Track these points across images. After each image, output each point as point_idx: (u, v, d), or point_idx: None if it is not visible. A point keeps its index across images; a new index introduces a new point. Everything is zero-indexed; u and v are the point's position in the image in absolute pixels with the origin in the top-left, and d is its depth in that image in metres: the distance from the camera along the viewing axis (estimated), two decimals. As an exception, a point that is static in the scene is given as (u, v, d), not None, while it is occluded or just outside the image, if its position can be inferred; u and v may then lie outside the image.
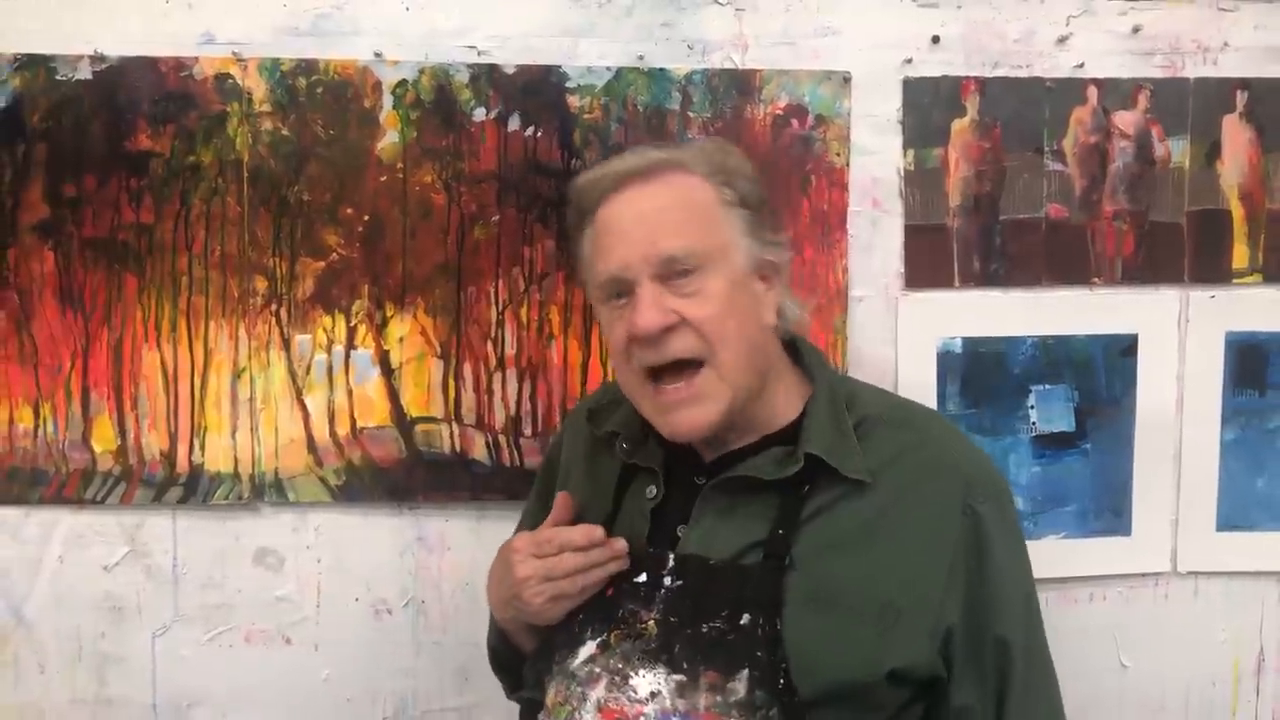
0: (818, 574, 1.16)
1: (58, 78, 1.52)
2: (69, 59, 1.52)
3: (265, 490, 1.58)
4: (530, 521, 1.42)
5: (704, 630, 1.15)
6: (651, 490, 1.26)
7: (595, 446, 1.34)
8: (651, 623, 1.18)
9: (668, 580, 1.20)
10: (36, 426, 1.56)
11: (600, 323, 1.30)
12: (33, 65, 1.51)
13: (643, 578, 1.21)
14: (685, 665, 1.15)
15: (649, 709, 1.15)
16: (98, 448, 1.56)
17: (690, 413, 1.18)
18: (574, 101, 1.58)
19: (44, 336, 1.55)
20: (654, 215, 1.19)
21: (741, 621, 1.15)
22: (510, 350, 1.60)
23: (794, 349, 1.30)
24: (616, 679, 1.17)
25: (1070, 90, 1.63)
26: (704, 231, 1.20)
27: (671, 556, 1.21)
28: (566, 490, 1.32)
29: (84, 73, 1.52)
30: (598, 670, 1.19)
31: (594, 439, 1.34)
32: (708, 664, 1.14)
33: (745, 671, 1.13)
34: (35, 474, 1.56)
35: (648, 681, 1.16)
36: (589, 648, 1.20)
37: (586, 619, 1.22)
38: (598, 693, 1.17)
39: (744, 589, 1.16)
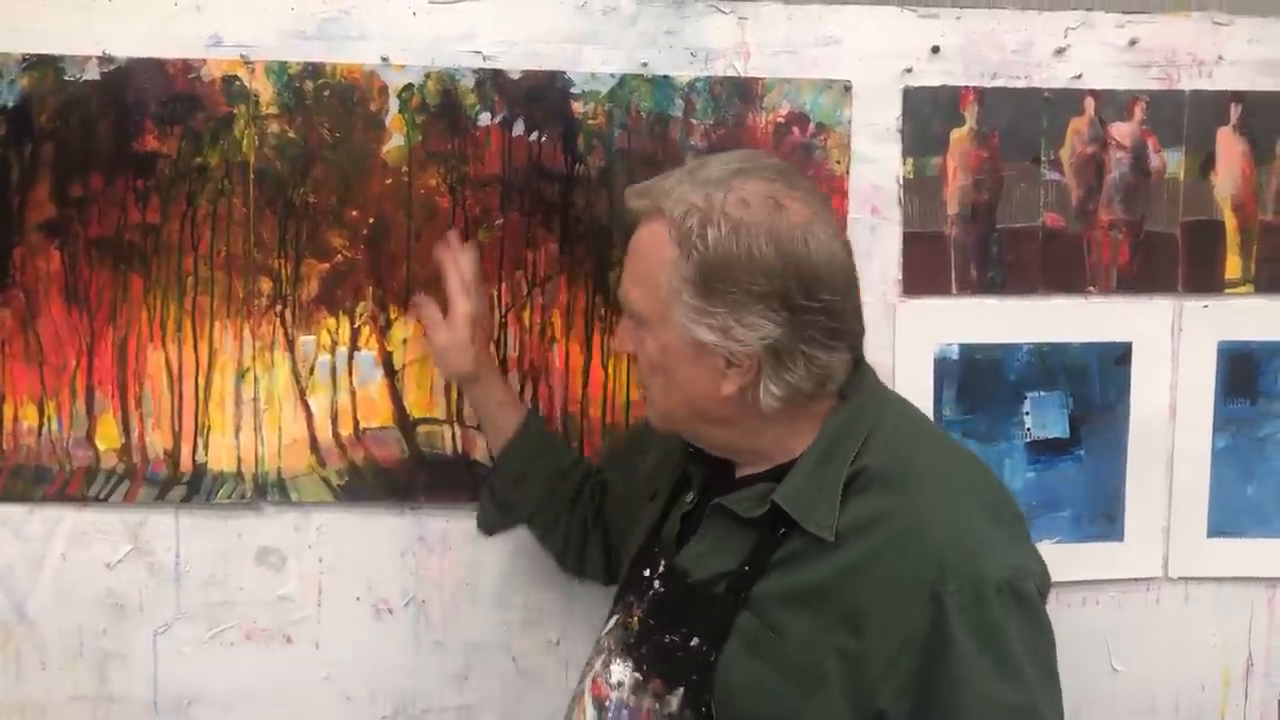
0: (765, 619, 1.15)
1: (66, 78, 1.53)
2: (77, 60, 1.53)
3: (268, 490, 1.59)
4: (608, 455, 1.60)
5: (666, 640, 1.21)
6: (689, 496, 1.30)
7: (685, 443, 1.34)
8: (636, 619, 1.25)
9: (657, 584, 1.25)
10: (41, 424, 1.56)
11: None
12: (41, 65, 1.52)
13: (646, 573, 1.28)
14: (645, 667, 1.22)
15: (613, 695, 1.24)
16: (101, 446, 1.57)
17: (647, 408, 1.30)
18: (578, 107, 1.59)
19: (49, 335, 1.55)
20: (630, 261, 1.25)
21: (692, 643, 1.18)
22: (513, 353, 1.62)
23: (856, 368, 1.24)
24: (606, 658, 1.27)
25: (1068, 101, 1.65)
26: (647, 292, 1.20)
27: (662, 563, 1.26)
28: (652, 467, 1.43)
29: (92, 73, 1.53)
30: (603, 645, 1.28)
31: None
32: (658, 672, 1.20)
33: (682, 689, 1.17)
34: (39, 471, 1.56)
35: (619, 671, 1.24)
36: (610, 622, 1.31)
37: (620, 594, 1.34)
38: (597, 665, 1.27)
39: (702, 613, 1.19)
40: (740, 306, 1.13)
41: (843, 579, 1.12)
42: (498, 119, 1.59)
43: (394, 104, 1.57)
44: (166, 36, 1.54)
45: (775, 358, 1.15)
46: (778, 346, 1.14)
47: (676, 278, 1.15)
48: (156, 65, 1.54)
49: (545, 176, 1.60)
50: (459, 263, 1.51)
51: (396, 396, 1.61)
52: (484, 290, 1.55)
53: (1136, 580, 1.71)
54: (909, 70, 1.63)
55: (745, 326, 1.13)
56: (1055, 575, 1.62)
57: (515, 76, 1.58)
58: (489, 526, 1.61)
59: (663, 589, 1.24)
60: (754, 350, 1.14)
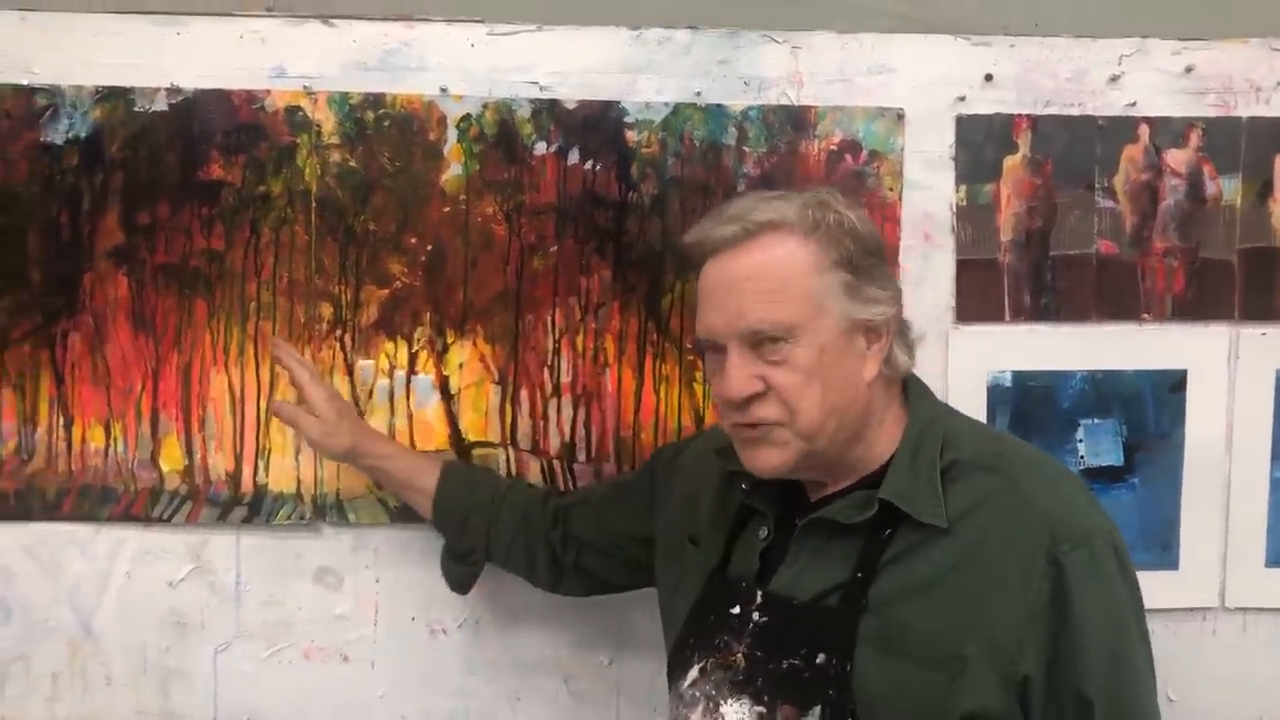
0: (890, 618, 1.18)
1: (136, 109, 1.57)
2: (147, 91, 1.57)
3: (326, 511, 1.62)
4: (615, 488, 1.57)
5: (784, 666, 1.20)
6: (763, 532, 1.30)
7: (726, 482, 1.38)
8: (740, 655, 1.23)
9: (755, 616, 1.24)
10: (107, 446, 1.60)
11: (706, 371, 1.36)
12: (113, 97, 1.57)
13: (736, 610, 1.26)
14: (766, 698, 1.20)
15: None
16: (165, 467, 1.61)
17: (765, 453, 1.23)
18: (632, 136, 1.62)
19: (116, 359, 1.60)
20: (744, 284, 1.21)
21: (817, 660, 1.18)
22: (566, 378, 1.64)
23: (905, 386, 1.31)
24: (710, 705, 1.24)
25: (1122, 128, 1.65)
26: (793, 301, 1.20)
27: (759, 594, 1.25)
28: (689, 517, 1.42)
29: (161, 104, 1.58)
30: (698, 694, 1.26)
31: (725, 474, 1.38)
32: (785, 699, 1.19)
33: (818, 709, 1.17)
34: (105, 492, 1.61)
35: (734, 710, 1.21)
36: (693, 672, 1.27)
37: (695, 644, 1.29)
38: (695, 716, 1.25)
39: (821, 629, 1.19)
40: (873, 276, 1.24)
41: (962, 562, 1.19)
42: (553, 148, 1.61)
43: (452, 134, 1.60)
44: (232, 68, 1.59)
45: (899, 322, 1.27)
46: (898, 309, 1.27)
47: (825, 267, 1.21)
48: (222, 96, 1.58)
49: (599, 204, 1.62)
50: (294, 355, 1.55)
51: (452, 419, 1.63)
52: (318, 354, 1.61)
53: (1192, 610, 1.70)
54: (962, 98, 1.63)
55: (882, 290, 1.24)
56: (1110, 604, 1.65)
57: (571, 106, 1.61)
58: (460, 584, 1.59)
59: (765, 619, 1.24)
60: (890, 314, 1.24)
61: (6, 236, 1.57)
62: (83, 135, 1.57)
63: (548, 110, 1.61)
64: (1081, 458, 1.67)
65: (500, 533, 1.54)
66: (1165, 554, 1.68)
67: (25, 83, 1.56)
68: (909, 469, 1.23)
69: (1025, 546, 1.17)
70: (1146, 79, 1.65)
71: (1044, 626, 1.15)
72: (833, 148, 1.63)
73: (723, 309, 1.22)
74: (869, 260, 1.24)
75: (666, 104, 1.62)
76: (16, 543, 1.61)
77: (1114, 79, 1.64)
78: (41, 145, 1.57)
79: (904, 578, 1.19)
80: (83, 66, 1.57)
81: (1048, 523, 1.18)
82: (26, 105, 1.56)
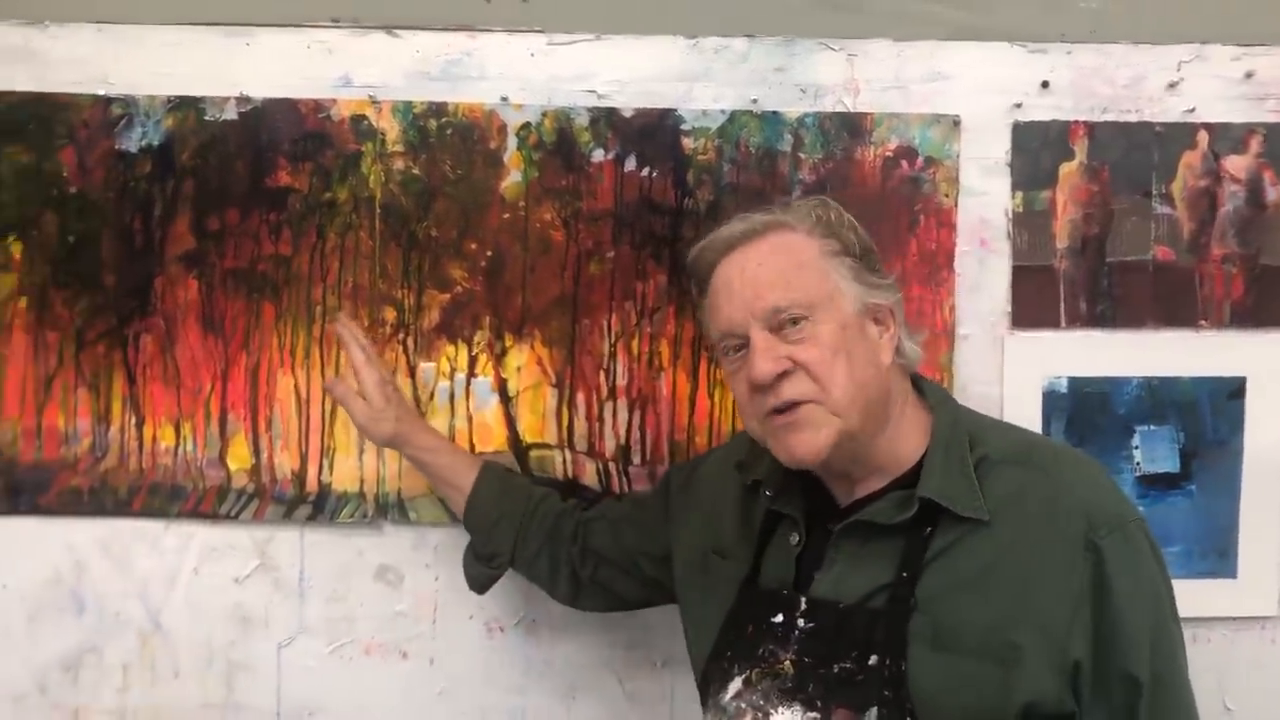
0: (940, 615, 1.19)
1: (206, 118, 1.62)
2: (217, 101, 1.62)
3: (388, 510, 1.66)
4: (633, 504, 1.59)
5: (835, 670, 1.21)
6: (794, 538, 1.31)
7: (746, 495, 1.40)
8: (788, 662, 1.24)
9: (801, 622, 1.25)
10: (177, 445, 1.65)
11: (727, 376, 1.36)
12: (184, 107, 1.62)
13: (779, 618, 1.27)
14: (819, 704, 1.21)
15: None
16: (233, 466, 1.65)
17: (802, 436, 1.24)
18: (688, 143, 1.64)
19: (186, 360, 1.64)
20: (758, 271, 1.26)
21: (870, 662, 1.19)
22: (621, 381, 1.66)
23: (918, 388, 1.33)
24: (758, 715, 1.24)
25: (1180, 135, 1.64)
26: (808, 282, 1.25)
27: (803, 600, 1.26)
28: (710, 531, 1.43)
29: (230, 113, 1.62)
30: (743, 705, 1.25)
31: (744, 488, 1.40)
32: (839, 703, 1.20)
33: (874, 710, 1.18)
34: (174, 490, 1.65)
35: (785, 718, 1.22)
36: (736, 683, 1.27)
37: (734, 655, 1.29)
38: None
39: (871, 631, 1.21)
40: (873, 266, 1.30)
41: (1005, 553, 1.21)
42: (611, 155, 1.64)
43: (512, 142, 1.63)
44: (299, 78, 1.63)
45: (902, 312, 1.32)
46: (900, 299, 1.32)
47: (831, 253, 1.28)
48: (290, 105, 1.63)
49: (655, 211, 1.65)
50: (356, 336, 1.56)
51: (510, 422, 1.66)
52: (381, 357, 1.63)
53: (1250, 619, 1.68)
54: (1018, 105, 1.64)
55: (884, 279, 1.31)
56: (1166, 611, 1.64)
57: (628, 114, 1.63)
58: (479, 584, 1.61)
59: (812, 624, 1.24)
60: (895, 301, 1.30)
61: (83, 242, 1.63)
62: (155, 144, 1.62)
63: (605, 118, 1.63)
64: (1137, 464, 1.66)
65: (527, 542, 1.56)
66: (1223, 562, 1.67)
67: (102, 93, 1.62)
68: (943, 466, 1.25)
69: (1064, 534, 1.20)
70: (1205, 85, 1.64)
71: (1088, 611, 1.18)
72: (888, 154, 1.64)
73: (741, 297, 1.26)
74: (868, 253, 1.31)
75: (723, 111, 1.64)
76: (90, 538, 1.66)
77: (1172, 85, 1.64)
78: (116, 153, 1.62)
79: (950, 573, 1.21)
80: (156, 77, 1.63)
81: (1084, 510, 1.21)
82: (103, 115, 1.62)
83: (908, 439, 1.29)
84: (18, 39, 1.62)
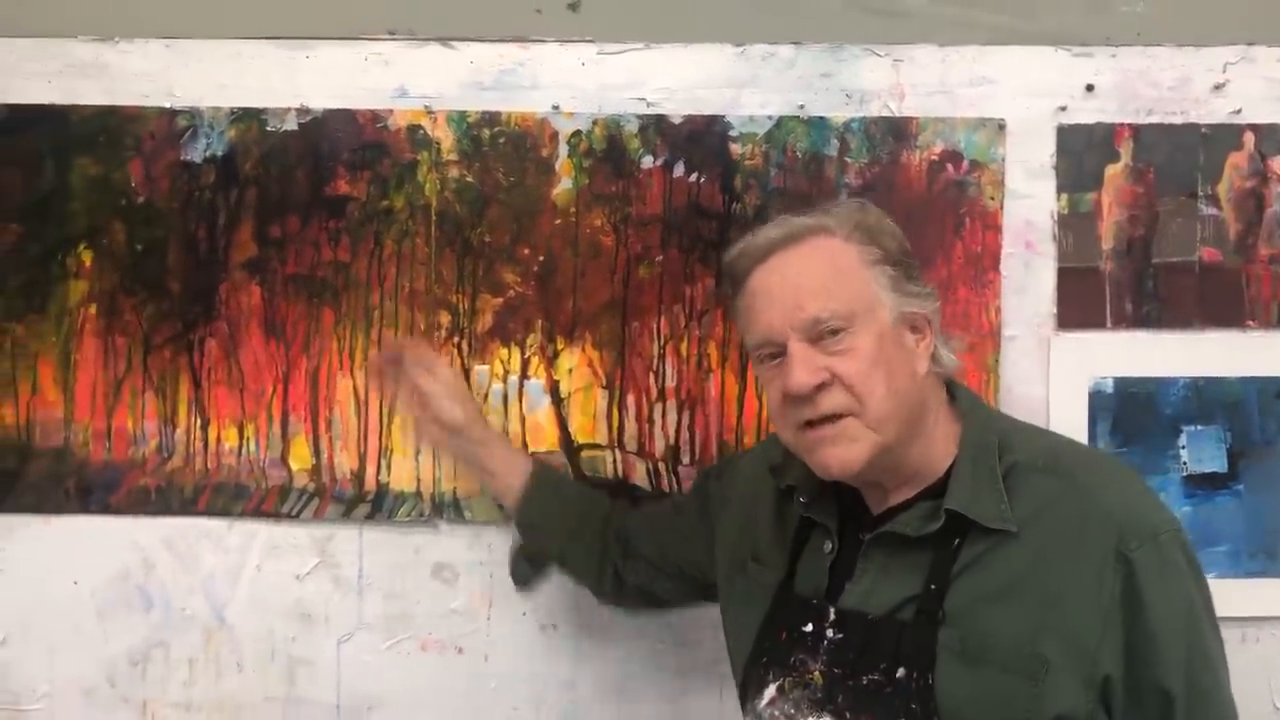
0: (968, 628, 1.19)
1: (268, 129, 1.68)
2: (278, 112, 1.67)
3: (444, 509, 1.70)
4: (673, 509, 1.60)
5: (864, 682, 1.21)
6: (828, 546, 1.31)
7: (780, 498, 1.41)
8: (818, 673, 1.25)
9: (830, 633, 1.26)
10: (241, 446, 1.70)
11: (759, 380, 1.37)
12: (247, 118, 1.67)
13: (809, 628, 1.27)
14: (848, 714, 1.21)
15: None
16: (294, 466, 1.70)
17: (837, 450, 1.23)
18: (736, 149, 1.67)
19: (249, 364, 1.69)
20: (798, 279, 1.25)
21: (898, 675, 1.19)
22: (671, 383, 1.69)
23: (950, 394, 1.33)
24: None
25: (1226, 136, 1.65)
26: (848, 291, 1.24)
27: (832, 610, 1.26)
28: (747, 537, 1.44)
29: (291, 124, 1.68)
30: (776, 713, 1.27)
31: (778, 491, 1.41)
32: (868, 715, 1.20)
33: None
34: (238, 489, 1.70)
35: None
36: (771, 690, 1.29)
37: (769, 662, 1.30)
38: None
39: (899, 644, 1.20)
40: (911, 273, 1.29)
41: (1033, 566, 1.19)
42: (659, 161, 1.67)
43: (563, 149, 1.67)
44: (357, 89, 1.68)
45: (938, 320, 1.31)
46: (938, 306, 1.31)
47: (870, 262, 1.26)
48: (348, 116, 1.67)
49: (703, 215, 1.68)
50: (416, 344, 1.64)
51: (562, 422, 1.70)
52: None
53: (1300, 618, 1.69)
54: (1063, 108, 1.65)
55: (921, 287, 1.29)
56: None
57: (677, 121, 1.67)
58: (522, 580, 1.66)
59: (840, 635, 1.25)
60: (932, 309, 1.29)
61: (150, 250, 1.68)
62: (219, 154, 1.68)
63: (654, 125, 1.67)
64: (1184, 464, 1.67)
65: (575, 543, 1.60)
66: (1272, 562, 1.67)
67: (168, 105, 1.67)
68: (970, 476, 1.24)
69: (1094, 546, 1.18)
70: (1252, 86, 1.65)
71: (1119, 624, 1.16)
72: (934, 158, 1.66)
73: (780, 305, 1.24)
74: (906, 259, 1.29)
75: (770, 117, 1.67)
76: (156, 536, 1.71)
77: (1218, 87, 1.65)
78: (181, 164, 1.68)
79: (978, 586, 1.20)
80: (219, 89, 1.68)
81: (1114, 521, 1.19)
82: (168, 127, 1.68)
83: (939, 447, 1.28)
84: (89, 54, 1.68)
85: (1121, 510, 1.20)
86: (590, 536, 1.60)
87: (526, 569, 1.65)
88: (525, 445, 1.69)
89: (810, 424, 1.24)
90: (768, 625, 1.33)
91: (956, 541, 1.22)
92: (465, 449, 1.63)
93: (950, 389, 1.33)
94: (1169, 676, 1.16)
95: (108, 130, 1.68)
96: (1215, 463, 1.68)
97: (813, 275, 1.25)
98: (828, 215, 1.29)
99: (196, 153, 1.68)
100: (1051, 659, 1.16)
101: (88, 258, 1.68)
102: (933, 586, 1.21)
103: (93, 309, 1.69)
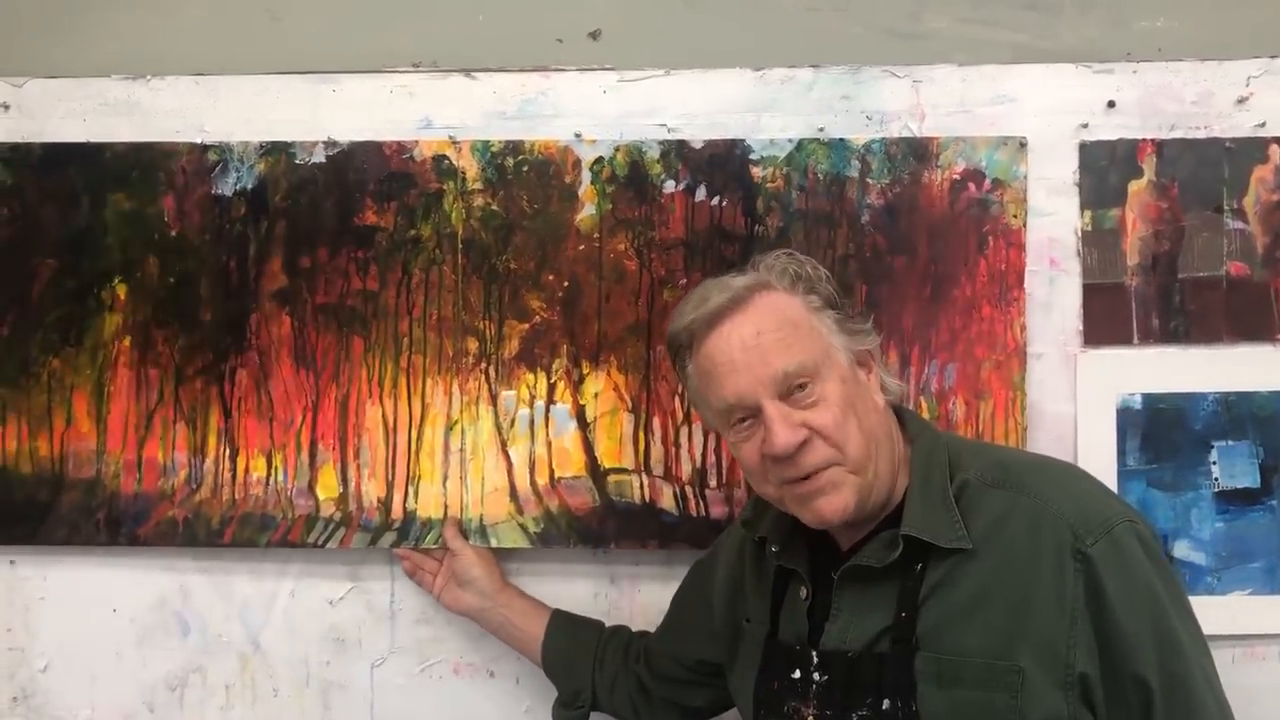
0: (942, 651, 1.20)
1: (296, 161, 1.70)
2: (306, 145, 1.70)
3: (471, 535, 1.71)
4: (675, 608, 1.62)
5: (854, 718, 1.23)
6: (803, 592, 1.33)
7: (757, 551, 1.43)
8: (811, 717, 1.27)
9: (816, 676, 1.27)
10: (268, 475, 1.72)
11: (728, 444, 1.38)
12: (275, 151, 1.71)
13: (796, 674, 1.29)
14: None
15: None
16: (321, 495, 1.71)
17: (829, 499, 1.24)
18: (757, 172, 1.68)
19: (279, 393, 1.72)
20: (758, 339, 1.26)
21: (884, 707, 1.21)
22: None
23: (900, 420, 1.34)
24: None
25: (1251, 149, 1.64)
26: (805, 342, 1.26)
27: (815, 654, 1.28)
28: (739, 601, 1.46)
29: (319, 156, 1.70)
30: None
31: (756, 548, 1.43)
32: None
33: None
34: (264, 519, 1.71)
35: None
36: None
37: (765, 713, 1.33)
38: None
39: (880, 676, 1.22)
40: (850, 314, 1.33)
41: (996, 578, 1.21)
42: (681, 186, 1.68)
43: (586, 176, 1.68)
44: (383, 121, 1.71)
45: (879, 352, 1.36)
46: (878, 341, 1.36)
47: (816, 309, 1.30)
48: (374, 147, 1.70)
49: (726, 238, 1.69)
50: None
51: (589, 447, 1.71)
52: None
53: (1335, 635, 1.66)
54: (1085, 125, 1.65)
55: (861, 324, 1.33)
56: (1246, 628, 1.64)
57: (698, 146, 1.68)
58: None
59: (826, 677, 1.26)
60: (874, 345, 1.34)
61: (182, 282, 1.71)
62: (249, 187, 1.71)
63: (676, 150, 1.68)
64: (1216, 480, 1.66)
65: (604, 674, 1.62)
66: (1306, 578, 1.66)
67: (199, 140, 1.71)
68: (922, 499, 1.26)
69: (1051, 549, 1.20)
70: (1275, 99, 1.64)
71: (1087, 621, 1.18)
72: (956, 177, 1.66)
73: (747, 368, 1.25)
74: (842, 300, 1.33)
75: (790, 140, 1.68)
76: (193, 564, 1.74)
77: (1241, 100, 1.64)
78: (212, 197, 1.71)
79: (945, 608, 1.22)
80: (246, 124, 1.72)
81: (1066, 521, 1.20)
82: (200, 161, 1.71)
83: (899, 476, 1.30)
84: (121, 93, 1.72)
85: (1072, 510, 1.21)
86: (614, 664, 1.63)
87: (567, 716, 1.65)
88: (552, 470, 1.70)
89: (795, 479, 1.25)
90: (761, 678, 1.35)
91: (920, 566, 1.23)
92: (490, 609, 1.66)
93: (899, 414, 1.35)
94: (1142, 665, 1.17)
95: (141, 166, 1.71)
96: (1247, 478, 1.66)
97: (770, 332, 1.26)
98: (763, 270, 1.32)
99: (227, 186, 1.71)
100: (1026, 667, 1.17)
101: (122, 291, 1.72)
102: (903, 614, 1.23)
103: (126, 341, 1.72)
